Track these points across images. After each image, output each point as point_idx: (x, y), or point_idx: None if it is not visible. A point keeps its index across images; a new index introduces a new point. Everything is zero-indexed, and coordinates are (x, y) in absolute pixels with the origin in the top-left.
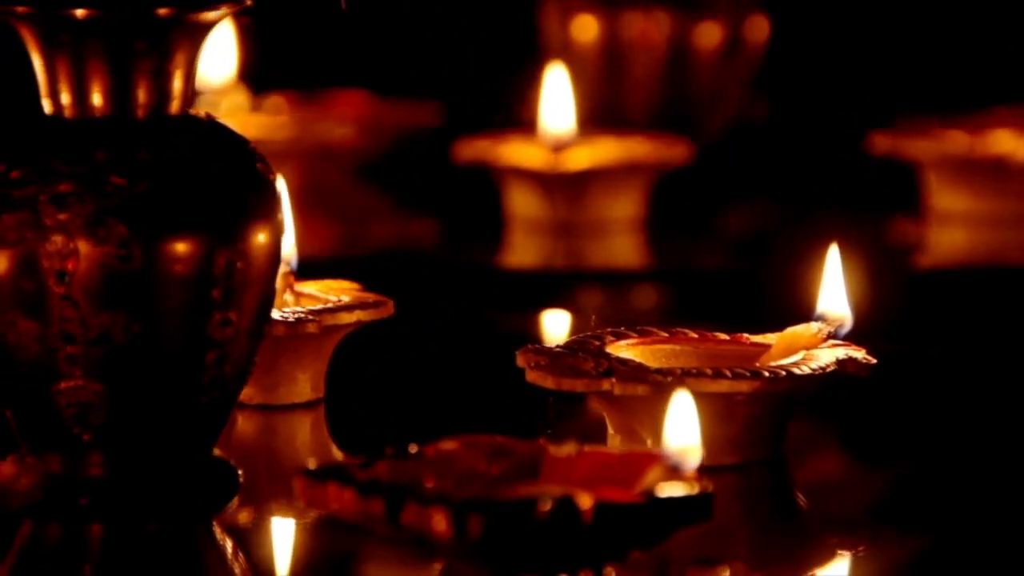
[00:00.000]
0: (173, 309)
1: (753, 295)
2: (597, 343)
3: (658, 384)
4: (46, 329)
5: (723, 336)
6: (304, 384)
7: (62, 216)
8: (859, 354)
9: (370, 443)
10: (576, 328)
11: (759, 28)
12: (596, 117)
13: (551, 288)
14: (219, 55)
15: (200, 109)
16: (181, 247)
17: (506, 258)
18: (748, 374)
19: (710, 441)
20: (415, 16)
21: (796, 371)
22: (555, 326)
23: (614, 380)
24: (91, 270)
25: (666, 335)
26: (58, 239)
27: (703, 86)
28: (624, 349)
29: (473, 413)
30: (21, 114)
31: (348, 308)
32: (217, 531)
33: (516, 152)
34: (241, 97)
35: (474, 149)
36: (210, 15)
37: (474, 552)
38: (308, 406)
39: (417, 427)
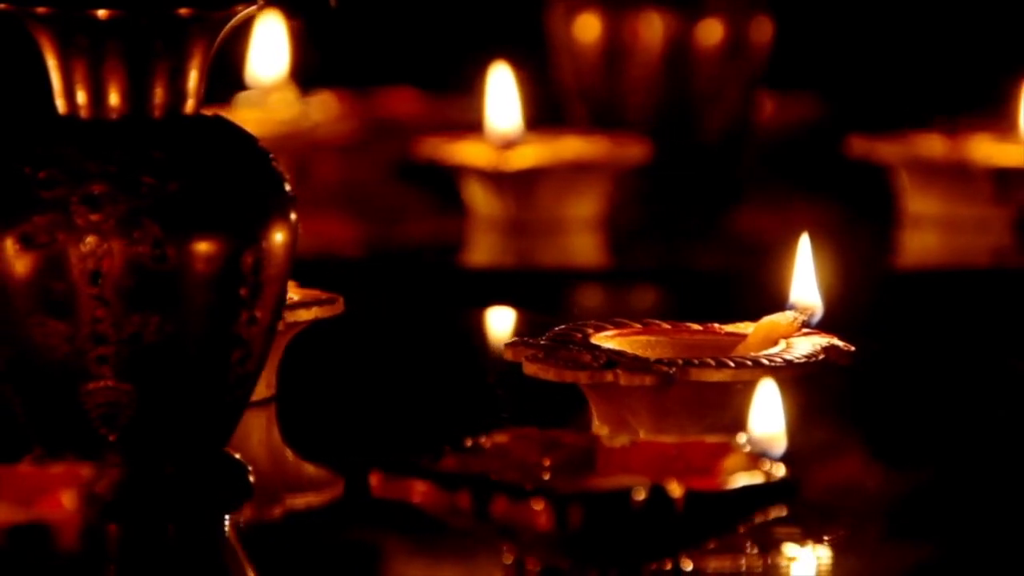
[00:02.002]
0: (203, 308)
1: (719, 292)
2: (580, 335)
3: (663, 375)
4: (76, 330)
5: (695, 326)
6: (259, 382)
7: (95, 217)
8: (840, 342)
9: (325, 440)
10: (521, 325)
11: (762, 29)
12: (595, 116)
13: (499, 286)
14: (270, 52)
15: (249, 105)
16: (212, 246)
17: (464, 256)
18: (749, 363)
19: (706, 429)
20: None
21: (792, 359)
22: (500, 323)
23: (619, 371)
24: (125, 270)
25: (640, 327)
26: (92, 240)
27: (704, 87)
28: (605, 341)
29: (427, 409)
30: (29, 114)
31: (305, 305)
32: (232, 530)
33: (464, 150)
34: (289, 94)
35: (429, 147)
36: (228, 14)
37: (569, 543)
38: (262, 404)
39: (371, 425)
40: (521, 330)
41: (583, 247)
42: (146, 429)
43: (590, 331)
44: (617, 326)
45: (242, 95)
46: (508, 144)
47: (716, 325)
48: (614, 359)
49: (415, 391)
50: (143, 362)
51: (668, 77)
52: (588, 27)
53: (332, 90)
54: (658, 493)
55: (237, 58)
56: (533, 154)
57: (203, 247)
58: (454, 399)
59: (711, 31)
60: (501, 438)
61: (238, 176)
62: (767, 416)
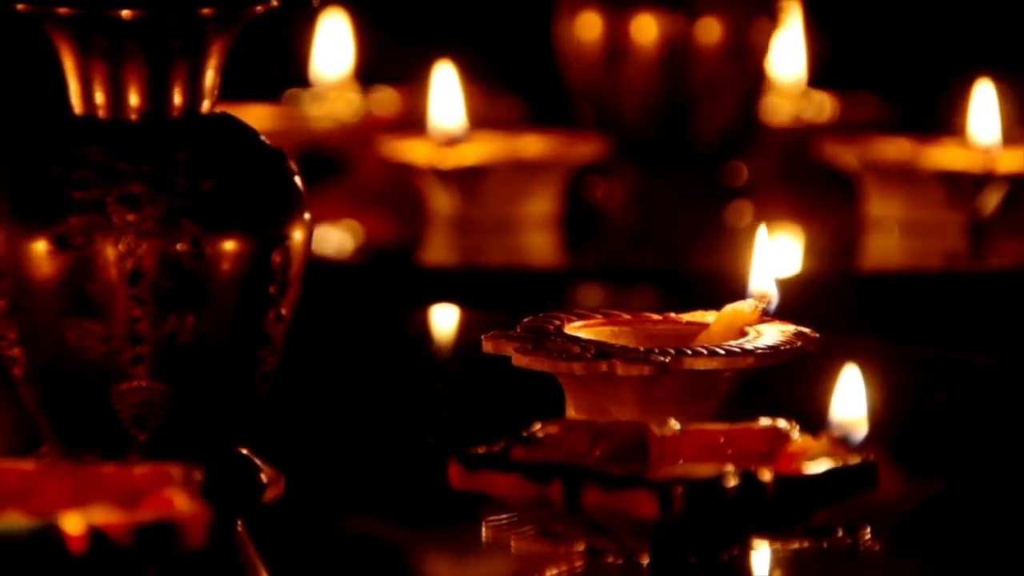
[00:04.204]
0: (235, 307)
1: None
2: (553, 327)
3: (660, 364)
4: (111, 331)
5: (655, 316)
6: None
7: (132, 217)
8: (806, 329)
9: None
10: (463, 324)
11: (764, 31)
12: (595, 115)
13: (446, 284)
14: (335, 49)
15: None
16: (245, 245)
17: (417, 254)
18: (738, 350)
19: (692, 418)
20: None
21: (776, 345)
22: (444, 321)
23: (615, 361)
24: (163, 270)
25: (602, 317)
26: (130, 240)
27: (702, 87)
28: (574, 331)
29: (371, 408)
30: (43, 114)
31: None
32: (248, 529)
33: (408, 148)
34: (351, 92)
35: (381, 145)
36: (248, 13)
37: (665, 530)
38: None
39: (315, 424)
40: (466, 328)
41: (536, 245)
42: (176, 429)
43: (559, 323)
44: (580, 317)
45: (307, 91)
46: (450, 141)
47: (673, 314)
48: (603, 350)
49: (362, 390)
50: (177, 362)
51: (665, 77)
52: (589, 26)
53: (394, 87)
54: (750, 478)
55: (301, 54)
56: (476, 152)
57: (238, 246)
58: (404, 396)
59: (709, 32)
60: (552, 428)
61: (261, 175)
62: (849, 401)
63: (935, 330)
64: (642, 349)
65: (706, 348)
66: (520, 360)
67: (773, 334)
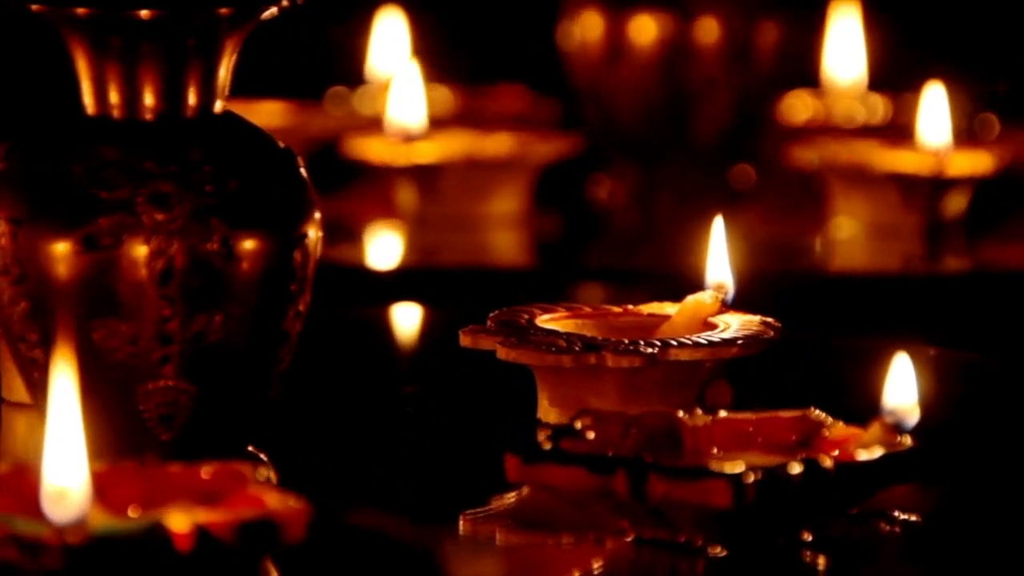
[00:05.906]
0: (259, 305)
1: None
2: (524, 319)
3: (649, 356)
4: (140, 331)
5: (616, 309)
6: None
7: (161, 216)
8: (768, 318)
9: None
10: (424, 321)
11: (767, 32)
12: (596, 114)
13: (398, 283)
14: (392, 48)
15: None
16: (270, 243)
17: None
18: (720, 341)
19: (672, 408)
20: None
21: (754, 335)
22: (405, 320)
23: (605, 354)
24: (192, 269)
25: (566, 311)
26: (160, 239)
27: (699, 88)
28: (544, 324)
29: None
30: (57, 114)
31: None
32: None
33: (367, 146)
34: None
35: (345, 145)
36: (262, 12)
37: (731, 519)
38: None
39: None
40: (422, 325)
41: (500, 244)
42: (199, 428)
43: (528, 316)
44: (544, 311)
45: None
46: (408, 139)
47: (632, 306)
48: (589, 342)
49: (330, 389)
50: (204, 361)
51: (664, 77)
52: (590, 26)
53: (449, 85)
54: (812, 465)
55: (358, 52)
56: (434, 149)
57: (262, 244)
58: (375, 393)
59: (707, 32)
60: (585, 420)
61: (277, 174)
62: (901, 389)
63: (890, 331)
64: (627, 341)
65: (690, 339)
66: (507, 354)
67: (741, 325)
